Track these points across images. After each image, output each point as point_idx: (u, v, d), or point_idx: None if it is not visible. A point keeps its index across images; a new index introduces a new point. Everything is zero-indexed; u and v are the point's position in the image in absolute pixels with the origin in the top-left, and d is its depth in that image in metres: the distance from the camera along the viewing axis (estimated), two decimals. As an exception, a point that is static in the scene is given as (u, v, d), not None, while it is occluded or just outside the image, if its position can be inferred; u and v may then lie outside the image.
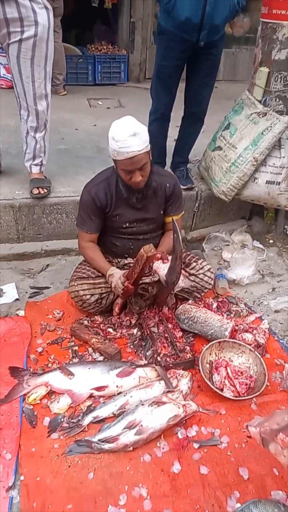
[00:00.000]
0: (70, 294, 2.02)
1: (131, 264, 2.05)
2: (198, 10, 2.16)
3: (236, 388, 1.68)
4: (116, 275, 1.91)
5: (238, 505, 1.31)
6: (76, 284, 1.97)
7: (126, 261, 2.10)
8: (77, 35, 6.23)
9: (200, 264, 2.11)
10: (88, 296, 1.97)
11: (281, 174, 2.53)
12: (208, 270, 2.11)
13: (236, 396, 1.66)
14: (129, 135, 1.68)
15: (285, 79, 2.45)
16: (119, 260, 2.11)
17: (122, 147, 1.69)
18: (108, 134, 1.76)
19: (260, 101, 2.53)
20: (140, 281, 2.04)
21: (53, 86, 4.58)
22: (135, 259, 1.85)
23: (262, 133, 2.46)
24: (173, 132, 2.85)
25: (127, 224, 2.00)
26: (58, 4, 4.11)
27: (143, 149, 1.72)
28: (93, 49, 5.43)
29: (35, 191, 2.48)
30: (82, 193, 1.97)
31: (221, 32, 2.36)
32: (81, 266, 2.08)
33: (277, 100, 2.50)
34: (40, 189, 2.49)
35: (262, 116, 2.49)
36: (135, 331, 2.01)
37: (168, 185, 1.99)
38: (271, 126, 2.44)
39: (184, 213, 2.20)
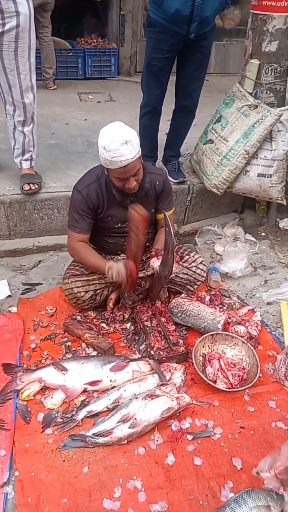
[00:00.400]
0: (64, 292, 2.01)
1: None
2: (187, 2, 2.15)
3: (229, 380, 1.69)
4: (116, 264, 1.85)
5: (232, 494, 1.32)
6: (69, 281, 1.97)
7: (119, 258, 2.09)
8: (66, 28, 6.15)
9: (193, 257, 2.12)
10: (82, 293, 1.96)
11: (272, 166, 2.53)
12: (201, 262, 2.11)
13: (229, 388, 1.67)
14: (120, 144, 1.64)
15: (275, 71, 2.45)
16: (112, 257, 2.10)
17: (115, 157, 1.66)
18: (98, 142, 1.71)
19: (251, 94, 2.53)
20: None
21: (43, 81, 4.57)
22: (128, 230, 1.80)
23: (253, 126, 2.46)
24: (164, 126, 2.84)
25: (119, 224, 1.98)
26: None
27: (135, 156, 1.69)
28: (83, 42, 5.38)
29: (26, 187, 2.46)
30: (73, 193, 1.93)
31: (211, 24, 2.35)
32: (74, 263, 2.07)
33: (268, 92, 2.50)
34: (31, 185, 2.47)
35: (253, 109, 2.49)
36: (128, 325, 2.01)
37: (158, 182, 1.97)
38: (262, 119, 2.44)
39: (174, 209, 2.18)
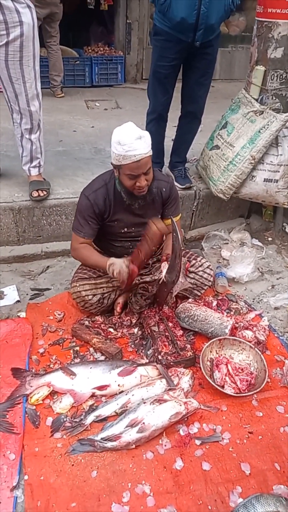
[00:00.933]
0: (72, 295, 2.03)
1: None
2: (193, 10, 2.18)
3: (237, 385, 1.69)
4: (118, 261, 1.86)
5: (241, 500, 1.32)
6: (77, 285, 1.98)
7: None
8: (73, 37, 6.25)
9: (200, 261, 2.13)
10: (90, 297, 1.98)
11: (278, 171, 2.54)
12: (208, 267, 2.12)
13: (237, 393, 1.67)
14: (135, 138, 1.70)
15: (281, 77, 2.46)
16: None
17: (129, 150, 1.70)
18: (112, 140, 1.76)
19: (256, 100, 2.54)
20: (141, 280, 2.06)
21: (50, 88, 4.63)
22: (141, 238, 1.84)
23: (259, 131, 2.48)
24: (171, 132, 2.86)
25: (125, 229, 2.01)
26: (58, 9, 4.15)
27: (148, 152, 1.75)
28: (90, 51, 5.45)
29: (35, 193, 2.49)
30: (80, 198, 1.96)
31: (216, 31, 2.38)
32: (82, 267, 2.09)
33: (274, 98, 2.51)
34: (40, 192, 2.51)
35: (259, 115, 2.51)
36: (135, 330, 2.02)
37: (164, 189, 2.00)
38: (268, 124, 2.46)
39: (181, 215, 2.20)
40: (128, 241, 2.06)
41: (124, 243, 2.06)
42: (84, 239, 1.97)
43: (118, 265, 1.85)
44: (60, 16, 4.27)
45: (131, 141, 1.70)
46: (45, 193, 2.52)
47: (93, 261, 1.99)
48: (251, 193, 2.65)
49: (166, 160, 2.92)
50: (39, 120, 2.41)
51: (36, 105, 2.35)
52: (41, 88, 2.39)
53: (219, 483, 1.38)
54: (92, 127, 3.88)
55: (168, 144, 2.88)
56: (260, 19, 2.42)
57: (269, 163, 2.54)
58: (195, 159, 3.13)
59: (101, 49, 5.46)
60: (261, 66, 2.47)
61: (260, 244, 2.80)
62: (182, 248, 2.22)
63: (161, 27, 2.34)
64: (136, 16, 5.31)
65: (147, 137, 1.75)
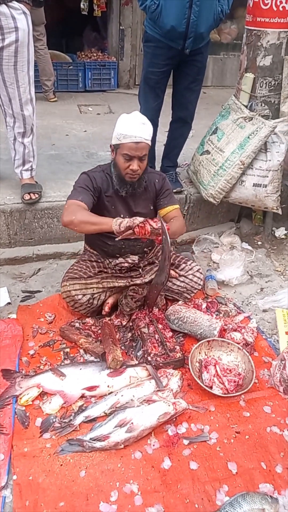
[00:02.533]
0: (62, 294, 2.04)
1: (123, 264, 2.09)
2: (183, 19, 2.23)
3: (225, 386, 1.71)
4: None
5: (227, 498, 1.34)
6: (68, 284, 2.00)
7: (117, 261, 2.11)
8: (67, 42, 6.30)
9: (190, 265, 2.15)
10: (80, 296, 1.99)
11: (267, 177, 2.59)
12: (197, 270, 2.15)
13: (225, 393, 1.69)
14: (140, 123, 1.84)
15: (269, 84, 2.52)
16: (110, 260, 2.13)
17: (131, 130, 1.81)
18: (117, 122, 1.87)
19: (246, 106, 2.59)
20: (132, 282, 2.08)
21: (43, 93, 4.65)
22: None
23: (248, 137, 2.52)
24: (162, 137, 2.91)
25: (121, 216, 2.01)
26: (36, 13, 4.12)
27: (148, 139, 1.85)
28: (83, 56, 5.49)
29: (27, 196, 2.51)
30: (79, 177, 1.99)
31: (206, 39, 2.43)
32: (73, 267, 2.10)
33: (263, 105, 2.56)
34: (32, 195, 2.52)
35: (248, 121, 2.55)
36: (126, 332, 2.04)
37: (157, 180, 2.07)
38: (257, 130, 2.50)
39: (178, 206, 2.14)
40: (120, 240, 2.06)
41: (117, 242, 2.07)
42: (81, 202, 1.85)
43: (132, 219, 1.77)
44: (41, 20, 4.26)
45: (134, 123, 1.83)
46: (37, 196, 2.53)
47: (95, 220, 1.82)
48: (240, 198, 2.69)
49: (158, 164, 2.95)
50: (32, 124, 2.43)
51: (29, 110, 2.37)
52: (34, 93, 2.42)
53: (206, 482, 1.39)
54: (85, 131, 3.91)
55: (160, 149, 2.92)
56: (250, 27, 2.47)
57: (258, 168, 2.58)
58: (186, 163, 3.17)
59: (95, 54, 5.50)
60: (251, 73, 2.53)
61: (249, 247, 2.84)
62: (173, 252, 2.26)
63: (152, 34, 2.39)
64: (129, 22, 5.37)
65: (149, 126, 1.87)
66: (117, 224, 1.77)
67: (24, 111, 2.34)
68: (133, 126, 1.82)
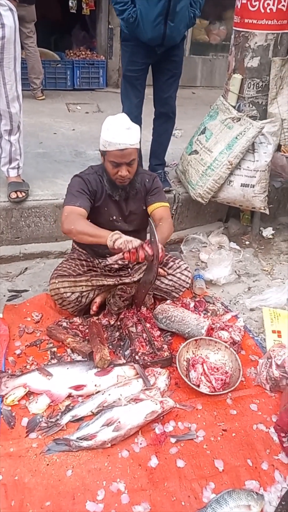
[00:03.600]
0: (50, 292, 2.02)
1: (112, 266, 2.08)
2: (159, 33, 2.34)
3: (212, 384, 1.72)
4: (124, 236, 1.73)
5: (214, 495, 1.35)
6: (57, 281, 1.98)
7: (107, 262, 2.10)
8: (55, 40, 6.26)
9: (178, 263, 2.16)
10: (68, 294, 1.98)
11: (255, 177, 2.61)
12: (185, 269, 2.16)
13: (212, 392, 1.70)
14: (124, 128, 1.79)
15: (257, 85, 2.54)
16: (101, 260, 2.12)
17: (115, 138, 1.77)
18: (102, 126, 1.83)
19: (234, 107, 2.61)
20: (120, 281, 2.07)
21: (31, 91, 4.62)
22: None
23: (236, 138, 2.54)
24: (148, 135, 2.90)
25: (114, 217, 2.02)
26: (26, 10, 4.10)
27: (134, 144, 1.81)
28: (72, 54, 5.46)
29: (13, 195, 2.48)
30: (72, 180, 1.96)
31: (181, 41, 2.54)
32: (62, 265, 2.08)
33: (250, 106, 2.59)
34: (18, 193, 2.50)
35: (236, 121, 2.57)
36: (113, 331, 2.04)
37: (147, 180, 2.07)
38: (245, 131, 2.52)
39: (167, 204, 2.11)
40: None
41: None
42: (80, 209, 1.83)
43: (125, 237, 1.71)
44: (32, 17, 4.23)
45: (118, 129, 1.78)
46: (23, 194, 2.51)
47: (93, 232, 1.78)
48: (228, 198, 2.71)
49: (145, 163, 2.95)
50: (19, 122, 2.41)
51: (16, 107, 2.35)
52: (22, 91, 2.40)
53: (193, 479, 1.40)
54: (73, 130, 3.89)
55: (147, 149, 2.92)
56: (237, 29, 2.49)
57: (246, 169, 2.60)
58: (174, 163, 3.18)
59: (83, 53, 5.48)
60: (238, 74, 2.55)
61: (237, 247, 2.86)
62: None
63: (129, 33, 2.44)
64: (117, 21, 5.31)
65: (135, 130, 1.83)
66: (112, 240, 1.70)
67: (11, 109, 2.32)
68: (117, 133, 1.77)
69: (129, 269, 2.15)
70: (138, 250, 1.69)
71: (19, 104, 2.37)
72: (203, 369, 1.78)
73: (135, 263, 1.79)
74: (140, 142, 2.75)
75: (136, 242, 1.70)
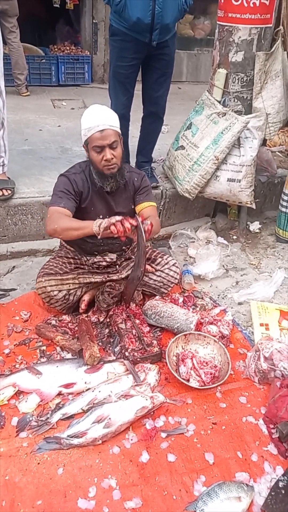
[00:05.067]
0: (37, 290, 2.01)
1: (100, 263, 2.07)
2: (148, 11, 2.25)
3: (201, 378, 1.74)
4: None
5: (204, 488, 1.36)
6: (43, 280, 1.97)
7: (95, 259, 2.10)
8: (39, 35, 6.17)
9: (166, 259, 2.16)
10: (55, 292, 1.97)
11: (241, 172, 2.63)
12: (173, 264, 2.16)
13: (201, 386, 1.71)
14: (98, 112, 1.86)
15: (242, 80, 2.55)
16: (88, 258, 2.11)
17: (93, 121, 1.82)
18: (81, 120, 1.89)
19: (219, 102, 2.62)
20: (108, 278, 2.07)
21: (15, 87, 4.55)
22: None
23: (222, 133, 2.55)
24: (137, 132, 2.89)
25: (101, 217, 1.99)
26: (9, 4, 4.03)
27: (113, 126, 1.84)
28: (56, 49, 5.39)
29: (-1, 192, 2.46)
30: (58, 180, 1.96)
31: (172, 31, 2.47)
32: (49, 263, 2.07)
33: (235, 100, 2.59)
34: (4, 191, 2.47)
35: (222, 116, 2.58)
36: (103, 328, 2.03)
37: (136, 179, 2.06)
38: (230, 126, 2.53)
39: (154, 204, 2.13)
40: (101, 238, 2.05)
41: (97, 240, 2.04)
42: (63, 209, 1.85)
43: (109, 219, 1.74)
44: (14, 11, 4.15)
45: (95, 113, 1.85)
46: (9, 192, 2.48)
47: (76, 225, 1.81)
48: (215, 193, 2.72)
49: (132, 160, 2.94)
50: (2, 118, 2.38)
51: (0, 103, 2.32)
52: (6, 86, 2.36)
53: (184, 473, 1.41)
54: (59, 126, 3.85)
55: (134, 145, 2.91)
56: (221, 23, 2.49)
57: (232, 164, 2.61)
58: (161, 159, 3.17)
59: (68, 48, 5.41)
60: (223, 69, 2.55)
61: (225, 242, 2.88)
62: (149, 247, 2.27)
63: (118, 27, 2.39)
64: (102, 16, 5.31)
65: (112, 113, 1.89)
66: (97, 225, 1.75)
67: None
68: (93, 117, 1.84)
69: (116, 266, 2.15)
70: (123, 222, 1.73)
71: (2, 100, 2.33)
72: (193, 364, 1.79)
73: (124, 239, 1.83)
74: (128, 138, 2.79)
75: (118, 217, 1.76)
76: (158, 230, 2.12)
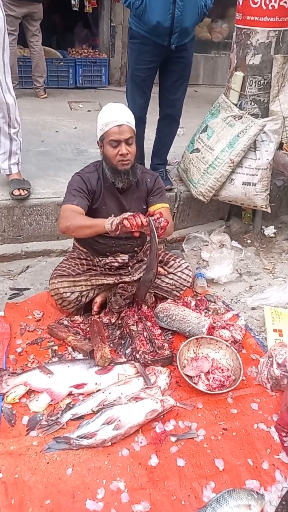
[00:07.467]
0: (50, 292, 2.02)
1: (112, 264, 2.08)
2: (167, 14, 2.25)
3: (209, 382, 1.71)
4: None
5: (214, 495, 1.34)
6: (56, 281, 1.98)
7: (107, 260, 2.10)
8: (58, 39, 6.25)
9: (178, 262, 2.15)
10: (68, 294, 1.98)
11: (257, 175, 2.60)
12: (186, 268, 2.15)
13: (212, 390, 1.69)
14: (117, 109, 1.89)
15: (259, 83, 2.53)
16: (100, 258, 2.11)
17: (112, 116, 1.85)
18: (97, 118, 1.92)
19: (236, 105, 2.60)
20: (120, 280, 2.07)
21: (33, 89, 4.62)
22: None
23: (237, 136, 2.53)
24: (153, 135, 2.90)
25: (112, 215, 2.00)
26: (37, 8, 4.14)
27: (130, 123, 1.88)
28: (74, 52, 5.45)
29: (16, 192, 2.49)
30: (72, 178, 1.98)
31: (190, 35, 2.45)
32: (62, 264, 2.08)
33: (252, 103, 2.57)
34: (21, 191, 2.50)
35: (238, 119, 2.56)
36: (114, 330, 2.03)
37: (149, 180, 2.07)
38: (247, 129, 2.51)
39: (168, 205, 2.11)
40: (112, 238, 2.06)
41: (109, 240, 2.05)
42: (76, 207, 1.87)
43: (122, 215, 1.74)
44: (40, 15, 4.25)
45: (112, 110, 1.88)
46: (26, 192, 2.51)
47: (89, 223, 1.82)
48: (230, 196, 2.70)
49: (147, 162, 2.94)
50: (16, 115, 2.40)
51: (11, 98, 2.34)
52: (24, 89, 2.39)
53: (193, 478, 1.40)
54: (75, 128, 3.88)
55: (149, 147, 2.91)
56: (239, 26, 2.48)
57: (248, 167, 2.59)
58: (176, 161, 3.17)
59: (85, 51, 5.47)
60: (240, 72, 2.53)
61: (239, 246, 2.85)
62: (162, 250, 2.26)
63: (137, 30, 2.40)
64: (120, 19, 5.35)
65: (128, 111, 1.92)
66: (109, 223, 1.76)
67: (7, 99, 2.31)
68: (111, 112, 1.87)
69: (129, 268, 2.15)
70: (135, 216, 1.72)
71: (13, 96, 2.36)
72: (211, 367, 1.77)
73: (138, 235, 1.81)
74: (143, 140, 2.79)
75: (130, 212, 1.76)
76: (171, 232, 2.11)
